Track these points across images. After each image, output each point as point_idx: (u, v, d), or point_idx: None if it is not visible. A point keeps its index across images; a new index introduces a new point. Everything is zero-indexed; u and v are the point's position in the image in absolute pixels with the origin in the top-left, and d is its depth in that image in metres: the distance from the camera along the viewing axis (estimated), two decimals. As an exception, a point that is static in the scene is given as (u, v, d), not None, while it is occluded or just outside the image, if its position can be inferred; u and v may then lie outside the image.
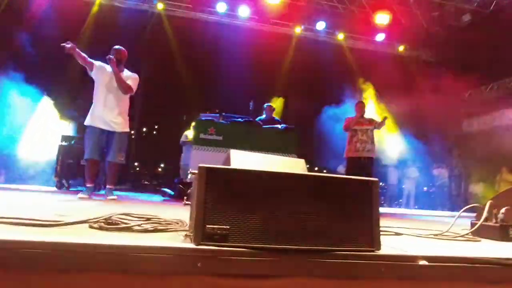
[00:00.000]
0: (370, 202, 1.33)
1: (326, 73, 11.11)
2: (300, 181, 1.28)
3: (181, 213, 2.26)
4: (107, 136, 4.61)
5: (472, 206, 2.37)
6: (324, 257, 1.23)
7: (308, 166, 1.68)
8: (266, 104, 7.67)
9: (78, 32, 10.30)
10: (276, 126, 6.66)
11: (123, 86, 4.63)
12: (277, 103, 10.52)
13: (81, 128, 6.55)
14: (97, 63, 4.69)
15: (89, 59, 4.65)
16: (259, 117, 7.32)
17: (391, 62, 11.51)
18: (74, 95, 9.63)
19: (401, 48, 12.24)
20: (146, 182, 12.42)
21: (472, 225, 2.17)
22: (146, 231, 1.47)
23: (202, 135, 6.00)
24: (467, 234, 2.06)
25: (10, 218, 1.47)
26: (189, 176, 1.36)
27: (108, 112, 4.58)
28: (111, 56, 4.56)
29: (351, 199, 1.31)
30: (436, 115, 9.94)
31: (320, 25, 11.57)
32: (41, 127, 9.69)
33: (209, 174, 1.20)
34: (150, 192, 9.72)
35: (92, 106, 4.66)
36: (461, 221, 2.28)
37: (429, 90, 9.99)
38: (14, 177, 9.24)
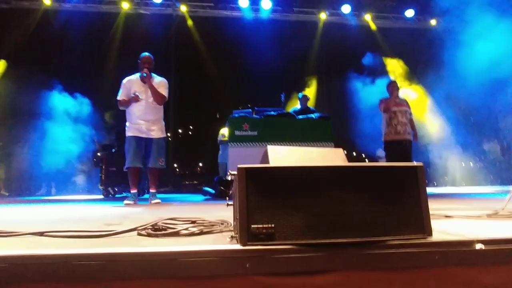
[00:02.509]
0: (417, 188, 1.28)
1: (356, 56, 10.87)
2: (341, 173, 1.25)
3: (224, 212, 2.28)
4: (145, 143, 4.74)
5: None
6: (374, 248, 1.20)
7: (345, 152, 1.64)
8: (300, 93, 7.57)
9: (107, 43, 10.62)
10: (310, 115, 6.58)
11: (159, 98, 4.76)
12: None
13: (120, 136, 6.77)
14: (125, 82, 4.82)
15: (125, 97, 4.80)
16: (293, 108, 7.26)
17: (424, 37, 11.09)
18: (111, 104, 9.96)
19: (433, 22, 11.76)
20: (187, 182, 12.71)
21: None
22: (192, 234, 1.49)
23: (237, 132, 6.03)
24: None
25: (62, 232, 1.53)
26: (229, 177, 1.36)
27: (144, 121, 4.71)
28: (145, 74, 4.66)
29: (396, 186, 1.27)
30: (479, 87, 9.45)
31: (346, 8, 11.31)
32: (83, 138, 10.10)
33: (248, 174, 1.20)
34: (191, 192, 9.94)
35: (127, 117, 4.80)
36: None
37: (467, 61, 9.51)
38: (63, 189, 9.71)
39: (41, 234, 1.53)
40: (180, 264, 1.14)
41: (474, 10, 8.73)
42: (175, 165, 13.14)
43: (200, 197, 6.97)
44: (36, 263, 1.10)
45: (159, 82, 4.85)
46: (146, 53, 4.87)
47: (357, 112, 10.25)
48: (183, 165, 13.51)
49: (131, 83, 4.79)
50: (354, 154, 12.44)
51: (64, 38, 9.87)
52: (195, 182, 12.27)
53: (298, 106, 7.37)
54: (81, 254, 1.13)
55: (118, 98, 4.79)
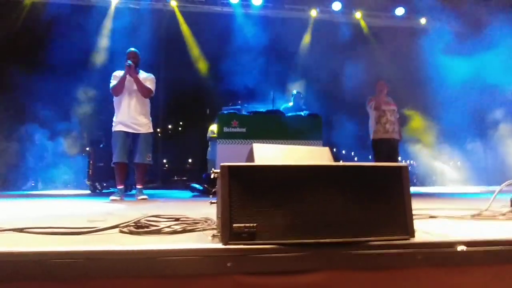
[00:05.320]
0: (401, 188, 1.27)
1: (346, 54, 10.86)
2: (325, 172, 1.24)
3: (210, 209, 2.26)
4: (132, 138, 4.71)
5: None
6: (357, 248, 1.19)
7: (335, 149, 1.62)
8: (296, 91, 7.49)
9: (96, 38, 10.46)
10: (299, 113, 6.56)
11: (144, 91, 4.72)
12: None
13: (108, 131, 6.70)
14: (115, 74, 4.77)
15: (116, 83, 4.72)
16: (285, 105, 7.20)
17: (414, 36, 11.14)
18: (99, 97, 9.81)
19: (423, 20, 11.82)
20: (175, 178, 12.64)
21: (512, 202, 2.07)
22: (174, 232, 1.47)
23: (225, 129, 5.99)
24: (508, 212, 1.97)
25: (43, 228, 1.50)
26: (212, 175, 1.34)
27: (131, 116, 4.68)
28: (129, 63, 4.61)
29: (380, 186, 1.26)
30: (467, 87, 9.53)
31: (336, 6, 11.31)
32: (71, 133, 9.98)
33: (231, 173, 1.18)
34: (180, 188, 9.89)
35: (115, 112, 4.77)
36: (500, 197, 2.16)
37: (457, 60, 9.57)
38: (50, 183, 9.57)
39: (20, 230, 1.50)
40: (160, 263, 1.12)
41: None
42: (164, 161, 13.06)
43: (188, 193, 6.93)
44: (12, 260, 1.07)
45: (147, 77, 4.84)
46: (132, 49, 4.86)
47: (348, 110, 10.27)
48: (172, 161, 13.44)
49: (119, 76, 4.75)
50: (344, 152, 12.48)
51: (51, 32, 9.68)
52: (184, 178, 12.20)
53: (290, 103, 7.32)
54: (58, 251, 1.11)
55: (111, 85, 4.71)
